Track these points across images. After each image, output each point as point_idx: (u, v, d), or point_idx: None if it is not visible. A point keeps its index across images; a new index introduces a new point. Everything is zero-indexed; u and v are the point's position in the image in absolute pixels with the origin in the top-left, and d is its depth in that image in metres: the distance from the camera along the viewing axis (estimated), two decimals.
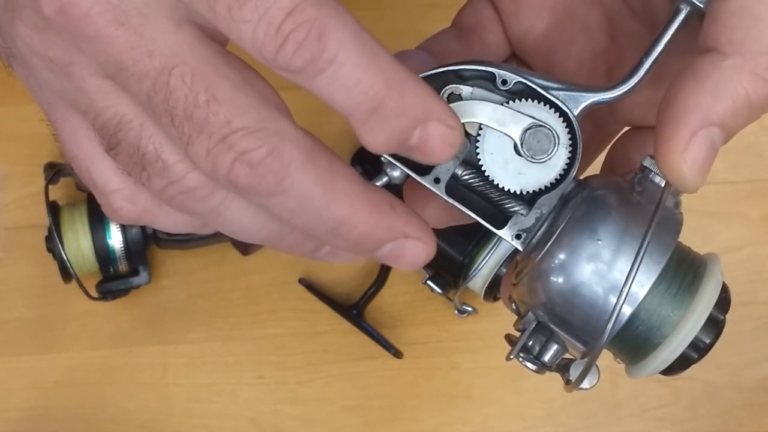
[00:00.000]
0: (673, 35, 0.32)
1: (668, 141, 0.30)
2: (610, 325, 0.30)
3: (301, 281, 0.71)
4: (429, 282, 0.68)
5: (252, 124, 0.27)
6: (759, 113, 0.30)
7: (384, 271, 0.70)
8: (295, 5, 0.26)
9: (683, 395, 0.70)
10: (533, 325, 0.33)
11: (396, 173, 0.32)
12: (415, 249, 0.30)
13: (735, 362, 0.70)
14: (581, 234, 0.32)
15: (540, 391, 0.70)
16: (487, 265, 0.65)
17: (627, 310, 0.31)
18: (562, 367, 0.34)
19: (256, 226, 0.30)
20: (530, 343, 0.33)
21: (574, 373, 0.33)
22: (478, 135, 0.33)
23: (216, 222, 0.30)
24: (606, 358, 0.33)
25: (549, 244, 0.32)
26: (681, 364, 0.33)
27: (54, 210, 0.66)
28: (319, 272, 0.72)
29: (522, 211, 0.33)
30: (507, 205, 0.33)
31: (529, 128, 0.32)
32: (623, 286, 0.30)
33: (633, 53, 0.34)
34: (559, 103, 0.32)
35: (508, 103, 0.32)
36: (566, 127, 0.33)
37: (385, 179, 0.32)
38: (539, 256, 0.32)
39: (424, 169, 0.33)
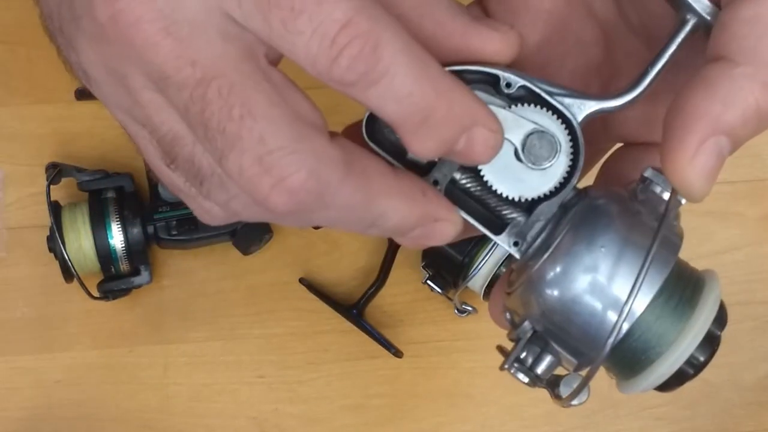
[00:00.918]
0: (678, 46, 0.32)
1: (676, 148, 0.29)
2: (611, 340, 0.30)
3: (301, 281, 0.71)
4: (429, 282, 0.68)
5: (287, 144, 0.27)
6: (767, 124, 0.30)
7: (384, 271, 0.70)
8: (349, 18, 0.26)
9: (681, 394, 0.70)
10: (528, 335, 0.32)
11: None
12: (443, 229, 0.31)
13: (733, 361, 0.71)
14: (583, 243, 0.31)
15: (539, 390, 0.70)
16: (486, 264, 0.65)
17: (624, 325, 0.30)
18: (551, 383, 0.33)
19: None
20: (524, 354, 0.32)
21: (564, 389, 0.32)
22: None
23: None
24: None
25: (548, 252, 0.31)
26: (677, 379, 0.32)
27: (56, 210, 0.66)
28: (319, 272, 0.72)
29: (520, 218, 0.33)
30: (504, 212, 0.33)
31: (530, 134, 0.32)
32: (627, 300, 0.30)
33: (629, 68, 0.33)
34: (563, 109, 0.32)
35: (510, 107, 0.32)
36: (568, 135, 0.32)
37: None
38: (537, 265, 0.32)
39: (423, 170, 0.33)
